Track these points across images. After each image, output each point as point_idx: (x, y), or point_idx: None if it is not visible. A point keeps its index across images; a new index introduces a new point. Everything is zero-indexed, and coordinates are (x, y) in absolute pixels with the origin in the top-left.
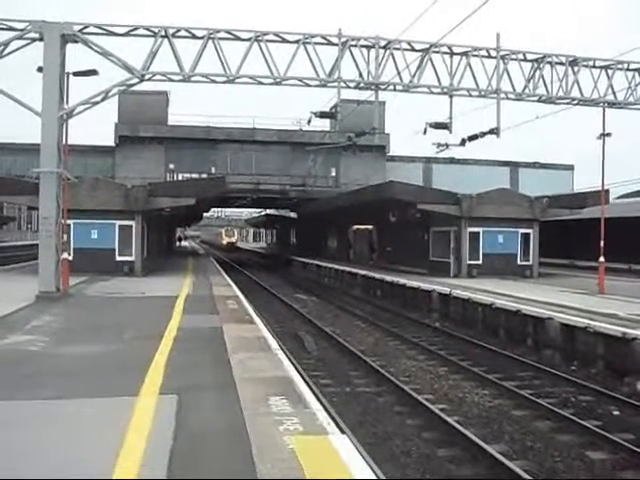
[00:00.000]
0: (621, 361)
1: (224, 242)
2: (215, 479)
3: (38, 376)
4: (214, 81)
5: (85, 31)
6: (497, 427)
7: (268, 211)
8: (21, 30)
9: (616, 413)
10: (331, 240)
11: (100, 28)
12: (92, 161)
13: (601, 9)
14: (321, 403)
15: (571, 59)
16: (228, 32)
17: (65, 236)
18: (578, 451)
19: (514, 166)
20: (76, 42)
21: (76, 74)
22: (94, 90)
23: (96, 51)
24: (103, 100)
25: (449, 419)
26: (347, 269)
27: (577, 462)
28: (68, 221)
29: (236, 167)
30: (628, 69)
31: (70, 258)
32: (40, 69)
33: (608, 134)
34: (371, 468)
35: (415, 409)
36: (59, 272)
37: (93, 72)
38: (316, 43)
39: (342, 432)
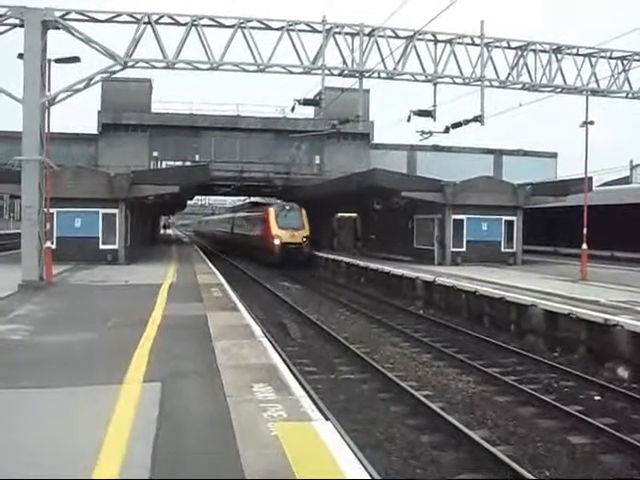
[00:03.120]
0: (602, 347)
1: (276, 242)
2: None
3: (21, 365)
4: (198, 68)
5: (67, 17)
6: (480, 413)
7: (253, 199)
8: (1, 16)
9: (597, 398)
10: (315, 228)
11: (82, 14)
12: (75, 149)
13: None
14: (305, 390)
15: (554, 47)
16: (211, 19)
17: (48, 225)
18: (560, 436)
19: (498, 154)
20: (58, 28)
21: (58, 61)
22: (76, 77)
23: (78, 38)
24: (86, 87)
25: (433, 405)
26: (331, 257)
27: (559, 447)
28: (51, 210)
29: (220, 154)
30: (611, 57)
31: (53, 247)
32: (21, 56)
33: (591, 122)
34: (355, 454)
35: (399, 396)
36: (42, 261)
37: (75, 59)
38: (300, 30)
39: (326, 418)
